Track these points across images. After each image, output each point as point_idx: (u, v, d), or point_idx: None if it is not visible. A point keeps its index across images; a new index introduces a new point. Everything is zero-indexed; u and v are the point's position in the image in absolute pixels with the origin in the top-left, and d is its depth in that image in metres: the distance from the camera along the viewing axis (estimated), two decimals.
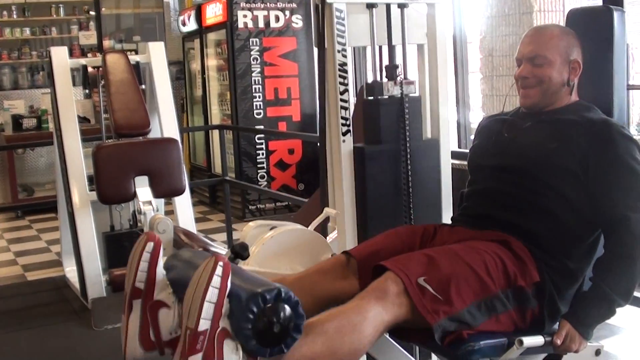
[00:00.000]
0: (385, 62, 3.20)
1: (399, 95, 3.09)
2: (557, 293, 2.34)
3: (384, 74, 3.19)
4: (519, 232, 2.40)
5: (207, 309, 1.85)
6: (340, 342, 2.07)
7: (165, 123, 5.57)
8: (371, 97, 3.12)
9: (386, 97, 3.09)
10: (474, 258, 2.23)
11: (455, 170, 3.28)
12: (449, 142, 3.22)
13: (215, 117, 9.16)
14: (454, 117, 6.14)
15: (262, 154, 8.24)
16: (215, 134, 8.90)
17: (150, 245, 2.12)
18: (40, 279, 6.26)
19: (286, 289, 1.90)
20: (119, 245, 5.33)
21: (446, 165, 3.21)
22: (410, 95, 3.13)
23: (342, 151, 2.92)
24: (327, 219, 3.06)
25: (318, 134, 3.55)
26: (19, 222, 8.85)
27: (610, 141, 2.38)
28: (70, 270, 5.77)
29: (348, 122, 2.92)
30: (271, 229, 2.73)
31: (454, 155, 3.43)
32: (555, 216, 2.40)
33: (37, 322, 5.04)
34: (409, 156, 3.07)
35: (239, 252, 2.35)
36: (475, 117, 6.05)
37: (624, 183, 2.36)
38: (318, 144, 3.56)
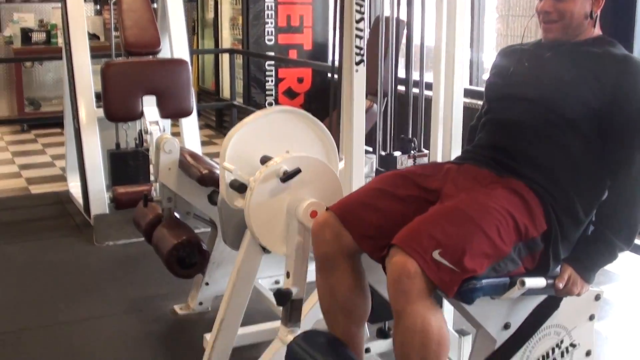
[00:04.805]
0: None
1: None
2: (562, 235, 2.31)
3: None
4: (531, 164, 2.36)
5: None
6: (431, 349, 2.10)
7: (176, 44, 5.54)
8: (384, 170, 3.10)
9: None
10: (486, 220, 2.16)
11: (466, 109, 3.25)
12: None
13: (226, 41, 9.08)
14: (467, 56, 6.08)
15: (271, 81, 8.19)
16: (225, 58, 8.85)
17: None
18: (43, 192, 6.29)
19: None
20: (123, 164, 5.35)
21: None
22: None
23: (354, 81, 2.89)
24: None
25: (330, 63, 3.52)
26: (24, 136, 8.86)
27: (630, 77, 2.32)
28: (74, 186, 5.80)
29: (362, 52, 2.87)
30: None
31: (466, 93, 3.39)
32: (568, 149, 2.35)
33: (40, 235, 5.08)
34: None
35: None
36: (488, 58, 6.00)
37: (634, 122, 2.31)
38: (329, 74, 3.54)
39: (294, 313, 2.68)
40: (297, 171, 2.61)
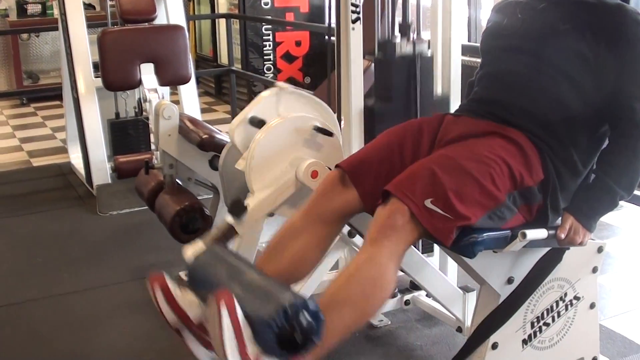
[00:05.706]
0: None
1: (412, 55, 3.06)
2: (560, 186, 2.31)
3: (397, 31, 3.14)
4: (527, 116, 2.35)
5: (232, 349, 1.86)
6: (367, 302, 2.09)
7: (172, 9, 5.52)
8: (383, 56, 3.08)
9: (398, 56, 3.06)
10: (479, 168, 2.17)
11: (465, 66, 3.23)
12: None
13: (222, 6, 9.01)
14: (465, 13, 6.04)
15: (269, 45, 8.14)
16: (222, 24, 8.79)
17: (159, 293, 2.11)
18: (45, 165, 6.29)
19: (301, 299, 1.91)
20: (124, 133, 5.35)
21: None
22: (423, 55, 3.08)
23: (350, 39, 2.88)
24: None
25: (327, 24, 3.49)
26: (24, 109, 8.84)
27: (623, 27, 2.30)
28: (75, 157, 5.80)
29: (358, 10, 2.86)
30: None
31: (464, 49, 3.36)
32: (563, 100, 2.34)
33: (43, 207, 5.09)
34: (419, 114, 3.04)
35: (236, 211, 2.64)
36: (486, 15, 5.95)
37: (632, 72, 2.30)
38: (326, 36, 3.50)
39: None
40: (330, 133, 2.70)
